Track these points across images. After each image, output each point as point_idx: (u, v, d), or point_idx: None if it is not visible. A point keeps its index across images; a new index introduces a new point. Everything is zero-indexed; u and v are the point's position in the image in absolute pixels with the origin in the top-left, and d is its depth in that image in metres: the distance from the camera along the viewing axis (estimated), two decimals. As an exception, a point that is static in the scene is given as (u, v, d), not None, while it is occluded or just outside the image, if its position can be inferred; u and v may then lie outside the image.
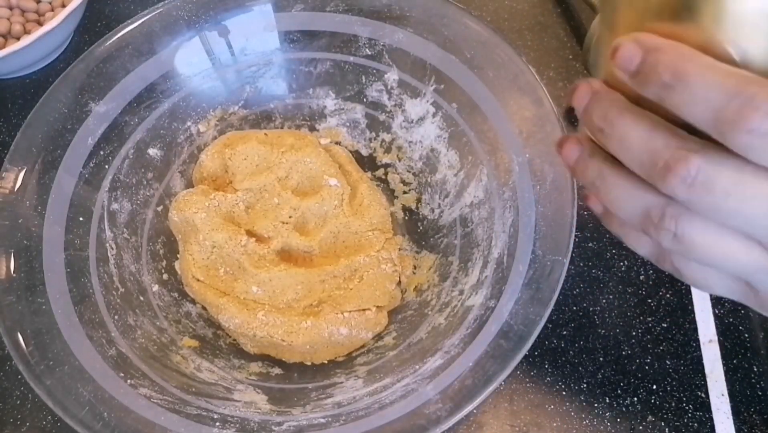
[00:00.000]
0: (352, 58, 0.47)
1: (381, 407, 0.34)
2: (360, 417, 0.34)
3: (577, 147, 0.25)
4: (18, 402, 0.42)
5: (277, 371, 0.41)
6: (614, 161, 0.23)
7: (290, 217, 0.44)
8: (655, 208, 0.22)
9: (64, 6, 0.54)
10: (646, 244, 0.25)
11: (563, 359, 0.42)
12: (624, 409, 0.41)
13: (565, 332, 0.43)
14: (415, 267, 0.45)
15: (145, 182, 0.45)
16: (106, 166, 0.43)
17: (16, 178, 0.39)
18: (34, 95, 0.55)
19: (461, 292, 0.40)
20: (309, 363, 0.41)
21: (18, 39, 0.52)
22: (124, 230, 0.43)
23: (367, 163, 0.49)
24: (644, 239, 0.25)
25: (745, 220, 0.21)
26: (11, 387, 0.43)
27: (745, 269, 0.22)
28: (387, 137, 0.48)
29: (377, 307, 0.42)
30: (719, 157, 0.20)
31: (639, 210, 0.23)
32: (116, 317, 0.39)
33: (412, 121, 0.47)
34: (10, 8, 0.54)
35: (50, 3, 0.55)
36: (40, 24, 0.54)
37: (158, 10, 0.45)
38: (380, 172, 0.49)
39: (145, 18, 0.45)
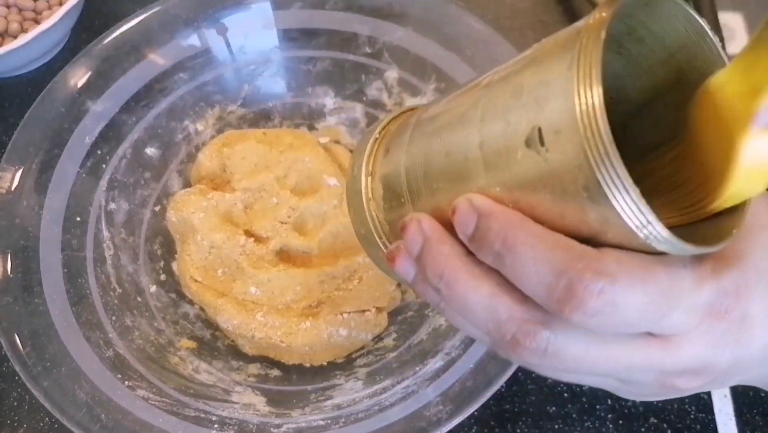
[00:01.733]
0: (351, 57, 0.47)
1: (381, 409, 0.34)
2: (360, 419, 0.34)
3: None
4: (15, 403, 0.42)
5: (275, 372, 0.41)
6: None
7: (289, 217, 0.44)
8: (512, 322, 0.20)
9: (61, 4, 0.54)
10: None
11: (564, 360, 0.42)
12: (626, 411, 0.40)
13: (566, 333, 0.43)
14: (415, 267, 0.45)
15: (142, 182, 0.45)
16: (104, 166, 0.43)
17: (12, 177, 0.39)
18: (32, 94, 0.54)
19: (462, 292, 0.40)
20: (308, 365, 0.41)
21: (15, 37, 0.52)
22: (122, 230, 0.43)
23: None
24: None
25: (600, 374, 0.21)
26: (8, 389, 0.43)
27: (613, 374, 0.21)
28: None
29: (377, 308, 0.42)
30: (565, 327, 0.19)
31: (494, 324, 0.20)
32: (113, 317, 0.39)
33: (412, 120, 0.47)
34: (8, 6, 0.54)
35: (48, 1, 0.55)
36: (38, 22, 0.54)
37: (156, 9, 0.44)
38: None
39: (143, 16, 0.44)
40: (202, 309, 0.43)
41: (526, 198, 0.19)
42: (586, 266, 0.18)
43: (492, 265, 0.20)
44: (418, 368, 0.36)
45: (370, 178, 0.24)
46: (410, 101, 0.46)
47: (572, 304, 0.18)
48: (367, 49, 0.46)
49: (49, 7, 0.55)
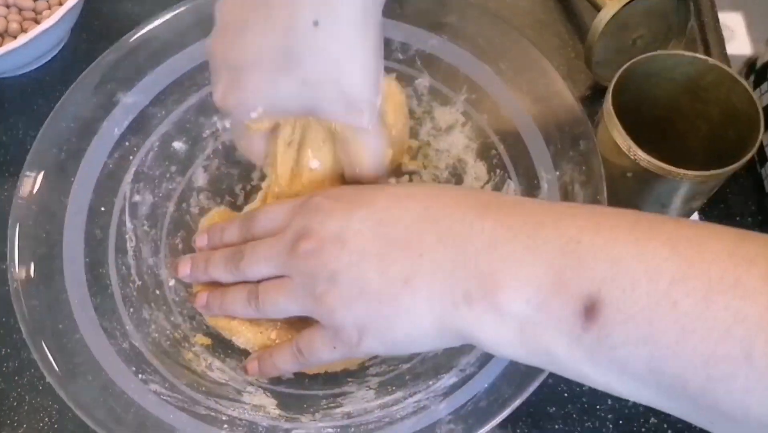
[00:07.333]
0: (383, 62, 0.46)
1: (391, 421, 0.34)
2: (369, 430, 0.34)
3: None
4: (15, 404, 0.42)
5: (288, 375, 0.40)
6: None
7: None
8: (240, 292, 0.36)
9: (61, 4, 0.54)
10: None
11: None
12: (626, 411, 0.40)
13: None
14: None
15: (168, 175, 0.45)
16: (131, 158, 0.43)
17: (42, 164, 0.39)
18: (31, 94, 0.55)
19: (480, 308, 0.39)
20: (322, 372, 0.41)
21: (15, 37, 0.52)
22: (145, 222, 0.43)
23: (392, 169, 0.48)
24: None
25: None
26: (8, 389, 0.43)
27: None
28: (414, 143, 0.48)
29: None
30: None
31: (239, 303, 0.36)
32: (131, 309, 0.39)
33: (440, 129, 0.46)
34: (7, 6, 0.54)
35: (47, 1, 0.55)
36: (37, 22, 0.54)
37: (188, 5, 0.45)
38: (405, 179, 0.48)
39: (177, 11, 0.44)
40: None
41: None
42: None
43: None
44: (431, 382, 0.36)
45: None
46: (439, 110, 0.46)
47: None
48: (400, 56, 0.45)
49: (49, 7, 0.55)
